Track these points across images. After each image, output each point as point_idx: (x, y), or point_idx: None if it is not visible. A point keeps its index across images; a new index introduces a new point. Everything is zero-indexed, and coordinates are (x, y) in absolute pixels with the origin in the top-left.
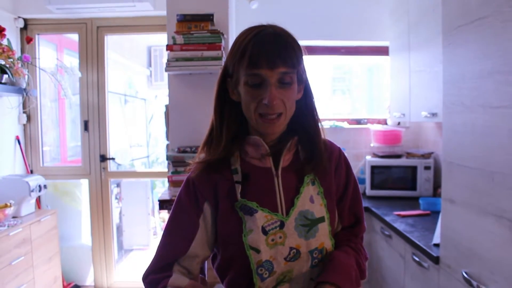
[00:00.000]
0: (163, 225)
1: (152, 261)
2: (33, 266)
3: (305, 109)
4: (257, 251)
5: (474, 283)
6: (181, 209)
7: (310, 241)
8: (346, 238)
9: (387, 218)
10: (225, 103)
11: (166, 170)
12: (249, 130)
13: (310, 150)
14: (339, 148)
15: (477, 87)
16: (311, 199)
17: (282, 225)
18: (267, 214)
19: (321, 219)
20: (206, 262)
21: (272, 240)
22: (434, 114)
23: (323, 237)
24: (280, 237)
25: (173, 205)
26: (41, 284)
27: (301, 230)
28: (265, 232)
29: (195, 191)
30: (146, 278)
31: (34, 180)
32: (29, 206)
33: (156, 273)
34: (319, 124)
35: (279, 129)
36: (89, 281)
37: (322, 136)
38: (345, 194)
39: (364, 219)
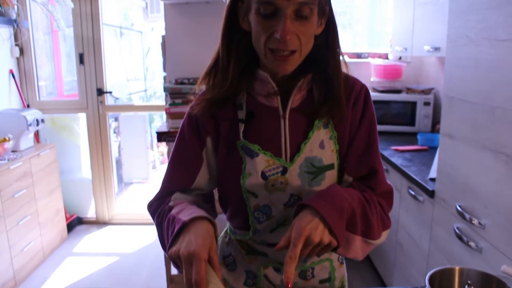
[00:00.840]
0: (162, 158)
1: (157, 193)
2: (36, 198)
3: (325, 45)
4: (255, 195)
5: (467, 216)
6: (185, 143)
7: (314, 189)
8: (360, 189)
9: (385, 153)
10: (234, 31)
11: (164, 103)
12: (260, 64)
13: (326, 90)
14: (362, 84)
15: (484, 18)
16: (321, 144)
17: (284, 171)
18: (269, 159)
19: (330, 166)
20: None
21: (273, 185)
22: (437, 49)
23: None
24: (281, 183)
25: (176, 139)
26: (44, 216)
27: (305, 177)
28: (265, 177)
29: (197, 126)
30: (151, 206)
31: (31, 115)
32: (27, 141)
33: (161, 200)
34: (342, 59)
35: (292, 68)
36: (91, 213)
37: (345, 71)
38: (357, 134)
39: (383, 174)
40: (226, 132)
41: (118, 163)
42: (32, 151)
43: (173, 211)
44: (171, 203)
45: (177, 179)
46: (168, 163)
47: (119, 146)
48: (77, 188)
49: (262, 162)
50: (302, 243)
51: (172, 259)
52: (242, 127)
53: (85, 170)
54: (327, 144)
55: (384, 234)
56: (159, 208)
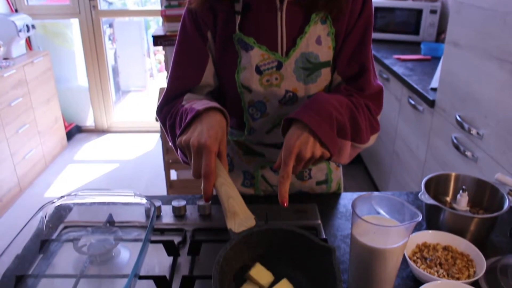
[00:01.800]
0: (159, 66)
1: (163, 96)
2: (33, 107)
3: None
4: (249, 90)
5: (466, 126)
6: (188, 38)
7: (309, 86)
8: (347, 93)
9: (386, 61)
10: None
11: (160, 8)
12: None
13: None
14: None
15: None
16: (318, 40)
17: (279, 66)
18: (264, 53)
19: (326, 64)
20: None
21: (267, 81)
22: None
23: (325, 83)
24: (276, 79)
25: (178, 36)
26: (43, 124)
27: (300, 73)
28: (259, 71)
29: (197, 19)
30: (161, 110)
31: (21, 20)
32: (19, 47)
33: (172, 104)
34: None
35: None
36: (89, 121)
37: None
38: (353, 28)
39: (374, 73)
40: (222, 25)
41: (115, 71)
42: (25, 58)
43: (187, 105)
44: (184, 102)
45: (185, 76)
46: (172, 63)
47: (115, 54)
48: (74, 96)
49: (256, 56)
50: (293, 161)
51: (180, 147)
52: (238, 19)
53: (81, 78)
54: (324, 40)
55: (373, 138)
56: (171, 110)
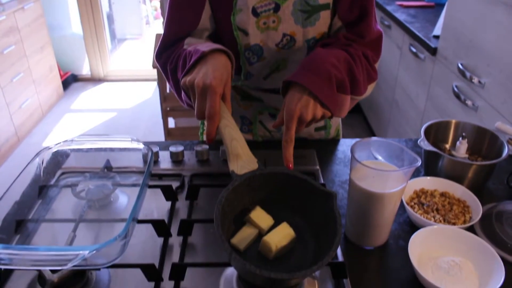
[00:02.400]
0: (156, 13)
1: (161, 41)
2: (26, 55)
3: None
4: (245, 33)
5: (468, 74)
6: None
7: (307, 29)
8: (344, 42)
9: (388, 8)
10: None
11: None
12: None
13: None
14: None
15: None
16: None
17: (277, 8)
18: None
19: (326, 6)
20: None
21: (264, 23)
22: None
23: (323, 27)
24: (274, 21)
25: None
26: (38, 73)
27: (299, 16)
28: (255, 13)
29: None
30: (160, 57)
31: None
32: None
33: (172, 48)
34: None
35: None
36: (85, 70)
37: None
38: None
39: (374, 18)
40: None
41: (110, 18)
42: (15, 4)
43: (190, 48)
44: (186, 46)
45: (182, 19)
46: (169, 6)
47: (109, 0)
48: (69, 44)
49: None
50: (295, 125)
51: (184, 88)
52: None
53: (75, 25)
54: None
55: (370, 87)
56: (172, 54)
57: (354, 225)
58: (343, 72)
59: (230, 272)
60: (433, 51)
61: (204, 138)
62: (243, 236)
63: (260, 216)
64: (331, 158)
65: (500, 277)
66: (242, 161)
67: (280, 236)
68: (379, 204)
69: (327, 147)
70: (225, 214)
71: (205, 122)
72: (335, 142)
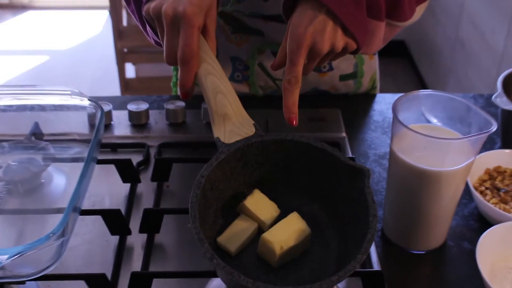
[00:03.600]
0: None
1: None
2: None
3: None
4: None
5: None
6: None
7: None
8: None
9: None
10: None
11: None
12: None
13: None
14: None
15: None
16: None
17: None
18: None
19: None
20: None
21: None
22: None
23: None
24: None
25: None
26: None
27: None
28: None
29: None
30: None
31: None
32: None
33: None
34: None
35: None
36: None
37: None
38: None
39: None
40: None
41: None
42: None
43: None
44: None
45: None
46: None
47: None
48: None
49: None
50: (303, 57)
51: (148, 18)
52: None
53: None
54: None
55: (419, 9)
56: None
57: (396, 218)
58: None
59: (217, 284)
60: None
61: (178, 92)
62: (235, 233)
63: (260, 204)
64: (364, 122)
65: None
66: (232, 123)
67: (288, 232)
68: (434, 188)
69: (358, 105)
70: (208, 201)
71: (179, 68)
72: (369, 98)
